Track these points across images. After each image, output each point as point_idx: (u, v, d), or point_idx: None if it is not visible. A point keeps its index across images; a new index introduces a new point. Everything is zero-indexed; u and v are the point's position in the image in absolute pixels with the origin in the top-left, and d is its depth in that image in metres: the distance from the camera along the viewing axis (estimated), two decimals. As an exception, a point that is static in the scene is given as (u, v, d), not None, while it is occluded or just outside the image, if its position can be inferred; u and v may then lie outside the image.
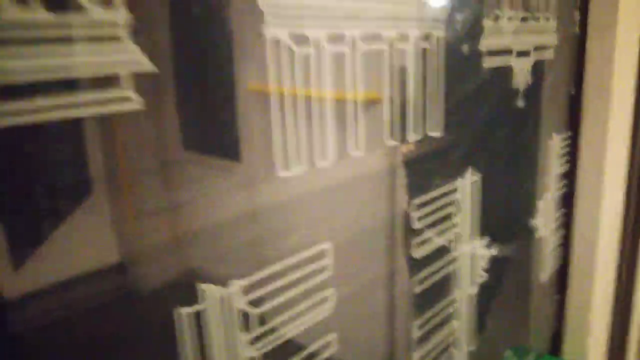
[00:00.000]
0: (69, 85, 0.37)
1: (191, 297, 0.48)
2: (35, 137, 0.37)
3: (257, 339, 0.54)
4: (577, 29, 1.18)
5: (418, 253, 0.76)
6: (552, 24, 1.07)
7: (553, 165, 1.16)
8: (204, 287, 0.49)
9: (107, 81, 0.39)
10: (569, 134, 1.21)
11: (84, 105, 0.38)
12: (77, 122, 0.39)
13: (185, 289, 0.49)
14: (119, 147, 0.43)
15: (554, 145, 1.15)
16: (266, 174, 0.55)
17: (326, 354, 0.63)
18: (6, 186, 0.36)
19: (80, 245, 0.41)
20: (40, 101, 0.36)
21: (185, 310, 0.47)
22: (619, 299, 1.44)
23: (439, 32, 0.73)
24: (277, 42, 0.52)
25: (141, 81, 0.41)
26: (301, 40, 0.54)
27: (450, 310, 0.86)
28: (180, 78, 0.46)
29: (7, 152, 0.36)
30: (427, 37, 0.71)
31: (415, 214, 0.75)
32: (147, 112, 0.42)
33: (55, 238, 0.39)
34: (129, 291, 0.45)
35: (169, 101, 0.45)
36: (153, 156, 0.46)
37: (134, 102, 0.41)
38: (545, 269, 1.21)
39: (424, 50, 0.71)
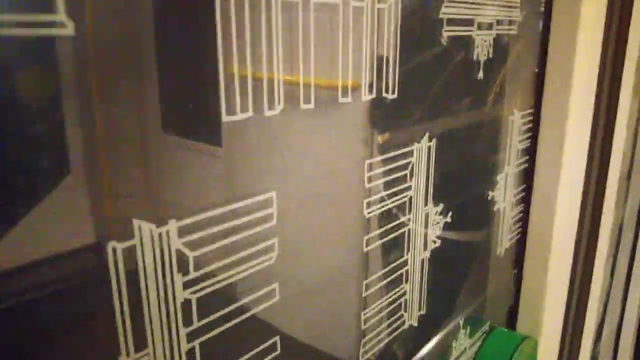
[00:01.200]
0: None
1: (126, 234, 0.49)
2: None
3: (193, 282, 0.55)
4: (541, 8, 1.19)
5: (369, 212, 0.77)
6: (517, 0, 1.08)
7: (514, 140, 1.18)
8: (139, 223, 0.49)
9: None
10: (532, 110, 1.23)
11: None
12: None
13: (120, 226, 0.49)
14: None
15: (516, 120, 1.17)
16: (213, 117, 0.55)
17: (267, 304, 0.64)
18: None
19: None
20: None
21: (118, 245, 0.48)
22: (577, 276, 1.48)
23: (397, -6, 0.74)
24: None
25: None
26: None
27: (401, 272, 0.87)
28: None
29: None
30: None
31: (366, 173, 0.76)
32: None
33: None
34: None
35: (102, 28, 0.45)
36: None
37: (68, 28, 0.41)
38: (503, 242, 1.23)
39: (380, 10, 0.72)
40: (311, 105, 0.65)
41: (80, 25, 0.42)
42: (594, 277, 1.62)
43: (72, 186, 0.45)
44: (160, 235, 0.51)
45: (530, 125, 1.24)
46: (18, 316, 0.43)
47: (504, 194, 1.18)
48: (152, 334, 0.52)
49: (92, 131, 0.46)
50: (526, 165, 1.26)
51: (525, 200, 1.29)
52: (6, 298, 0.42)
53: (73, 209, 0.46)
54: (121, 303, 0.49)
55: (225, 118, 0.55)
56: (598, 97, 1.32)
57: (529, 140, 1.25)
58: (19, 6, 0.38)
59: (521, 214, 1.29)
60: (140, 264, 0.50)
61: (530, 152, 1.26)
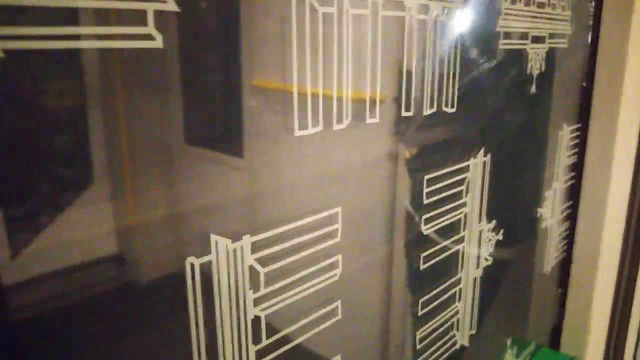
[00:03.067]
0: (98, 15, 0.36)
1: (203, 249, 0.48)
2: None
3: (263, 298, 0.54)
4: (590, 21, 1.17)
5: (426, 229, 0.76)
6: (568, 13, 1.06)
7: (562, 156, 1.16)
8: (216, 238, 0.48)
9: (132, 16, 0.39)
10: (579, 125, 1.20)
11: (108, 38, 0.37)
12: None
13: (197, 241, 0.48)
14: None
15: (564, 135, 1.15)
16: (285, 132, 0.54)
17: (330, 322, 0.62)
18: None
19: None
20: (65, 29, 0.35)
21: (196, 261, 0.47)
22: (621, 295, 1.43)
23: (458, 8, 0.73)
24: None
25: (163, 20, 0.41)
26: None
27: (455, 291, 0.85)
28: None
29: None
30: (446, 12, 0.71)
31: (426, 189, 0.74)
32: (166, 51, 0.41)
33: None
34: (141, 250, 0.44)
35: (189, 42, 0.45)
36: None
37: (157, 40, 0.40)
38: (549, 260, 1.20)
39: (442, 23, 0.71)
40: (375, 120, 0.64)
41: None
42: (635, 296, 1.57)
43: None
44: (235, 250, 0.50)
45: (577, 140, 1.21)
46: (98, 328, 0.43)
47: (552, 211, 1.15)
48: (224, 352, 0.51)
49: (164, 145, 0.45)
50: (573, 181, 1.23)
51: (571, 217, 1.25)
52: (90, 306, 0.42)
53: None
54: (197, 318, 0.48)
55: (297, 133, 0.54)
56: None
57: (576, 156, 1.22)
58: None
59: (567, 232, 1.26)
60: (215, 279, 0.49)
61: (577, 168, 1.23)
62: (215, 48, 0.49)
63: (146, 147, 0.44)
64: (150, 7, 0.39)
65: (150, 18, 0.40)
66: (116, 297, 0.43)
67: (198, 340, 0.48)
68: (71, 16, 0.36)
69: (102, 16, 0.37)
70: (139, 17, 0.39)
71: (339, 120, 0.59)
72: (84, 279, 0.41)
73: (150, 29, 0.40)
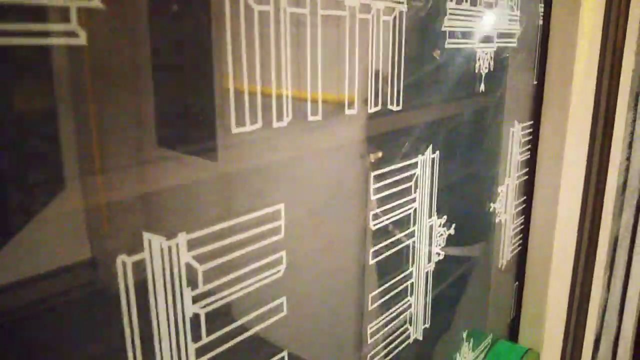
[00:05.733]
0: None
1: (136, 247, 0.48)
2: None
3: (203, 296, 0.54)
4: (540, 21, 1.20)
5: (374, 224, 0.77)
6: (517, 12, 1.09)
7: (514, 152, 1.19)
8: (149, 236, 0.48)
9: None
10: (532, 122, 1.23)
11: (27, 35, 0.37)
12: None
13: (130, 239, 0.48)
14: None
15: (516, 132, 1.18)
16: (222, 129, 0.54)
17: (275, 318, 0.63)
18: None
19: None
20: None
21: (128, 259, 0.47)
22: (577, 287, 1.48)
23: (402, 7, 0.74)
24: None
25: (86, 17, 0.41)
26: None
27: (407, 285, 0.86)
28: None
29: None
30: (389, 11, 0.72)
31: (373, 185, 0.75)
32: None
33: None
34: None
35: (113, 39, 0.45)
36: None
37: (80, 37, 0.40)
38: (505, 254, 1.23)
39: (385, 23, 0.72)
40: (318, 117, 0.65)
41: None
42: (592, 289, 1.62)
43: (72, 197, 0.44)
44: (169, 248, 0.50)
45: (530, 137, 1.24)
46: (26, 329, 0.42)
47: (505, 206, 1.18)
48: (161, 350, 0.51)
49: (90, 140, 0.45)
50: (526, 177, 1.26)
51: (525, 212, 1.29)
52: (17, 310, 0.41)
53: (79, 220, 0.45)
54: (130, 317, 0.48)
55: (235, 130, 0.55)
56: (596, 108, 1.33)
57: (529, 152, 1.25)
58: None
59: (521, 226, 1.29)
60: (149, 277, 0.49)
61: (530, 164, 1.26)
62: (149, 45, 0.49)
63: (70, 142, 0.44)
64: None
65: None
66: (38, 297, 0.43)
67: (132, 340, 0.48)
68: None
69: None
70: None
71: (279, 118, 0.60)
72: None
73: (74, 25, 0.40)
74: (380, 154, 0.78)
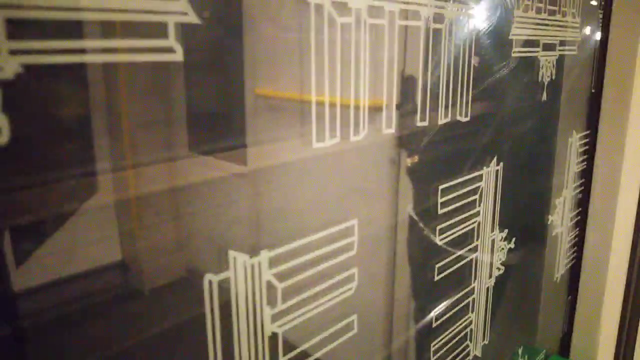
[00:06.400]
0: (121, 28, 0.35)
1: (221, 265, 0.47)
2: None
3: (281, 315, 0.52)
4: (599, 28, 1.16)
5: (441, 239, 0.75)
6: (577, 20, 1.05)
7: (571, 163, 1.15)
8: (234, 254, 0.47)
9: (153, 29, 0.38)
10: (589, 132, 1.19)
11: (129, 51, 0.36)
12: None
13: (215, 257, 0.47)
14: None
15: (574, 142, 1.14)
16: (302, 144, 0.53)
17: (346, 336, 0.61)
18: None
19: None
20: (89, 42, 0.34)
21: (214, 277, 0.46)
22: (630, 302, 1.42)
23: (471, 16, 0.72)
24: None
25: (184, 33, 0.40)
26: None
27: (468, 301, 0.84)
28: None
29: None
30: (460, 21, 0.70)
31: (440, 199, 0.73)
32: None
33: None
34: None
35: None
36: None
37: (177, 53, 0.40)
38: (559, 267, 1.19)
39: (455, 33, 0.70)
40: (392, 130, 0.63)
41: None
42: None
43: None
44: (252, 266, 0.49)
45: (587, 147, 1.20)
46: (113, 344, 0.41)
47: (562, 218, 1.14)
48: (242, 370, 0.50)
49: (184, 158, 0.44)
50: (581, 188, 1.22)
51: (581, 224, 1.24)
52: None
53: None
54: (214, 337, 0.47)
55: (315, 145, 0.53)
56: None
57: (585, 163, 1.21)
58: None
59: (577, 239, 1.25)
60: (232, 296, 0.48)
61: (587, 175, 1.22)
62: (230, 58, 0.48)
63: (159, 159, 0.43)
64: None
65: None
66: (126, 310, 0.42)
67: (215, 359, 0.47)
68: (89, 30, 0.35)
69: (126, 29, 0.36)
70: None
71: (356, 132, 0.58)
72: (90, 287, 0.40)
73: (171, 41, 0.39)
74: (430, 160, 0.76)
